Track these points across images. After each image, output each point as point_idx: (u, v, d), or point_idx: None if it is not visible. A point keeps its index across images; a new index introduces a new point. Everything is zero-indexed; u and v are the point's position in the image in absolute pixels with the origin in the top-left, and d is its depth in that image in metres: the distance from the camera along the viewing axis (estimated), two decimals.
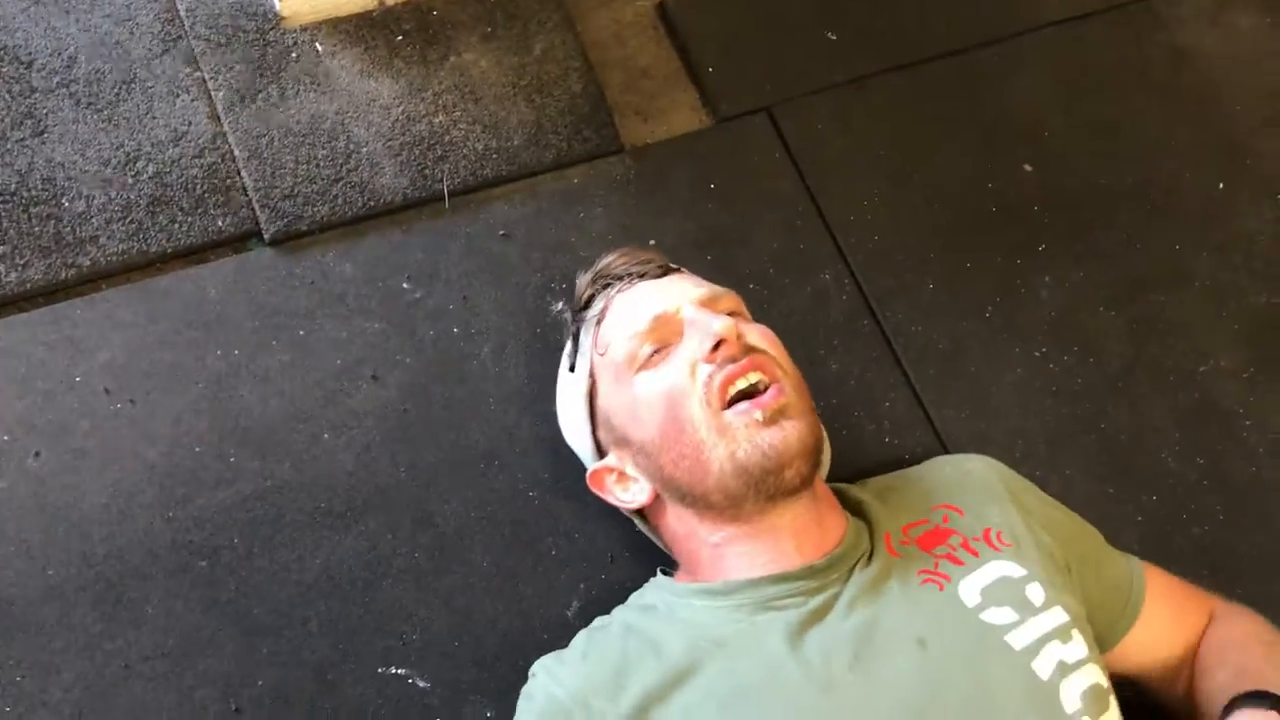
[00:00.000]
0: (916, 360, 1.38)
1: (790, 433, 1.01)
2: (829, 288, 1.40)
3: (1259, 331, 1.45)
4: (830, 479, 1.17)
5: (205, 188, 1.29)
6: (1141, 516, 1.33)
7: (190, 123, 1.32)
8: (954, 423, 1.35)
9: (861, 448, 1.32)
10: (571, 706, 0.98)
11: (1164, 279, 1.47)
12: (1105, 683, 1.00)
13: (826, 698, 0.95)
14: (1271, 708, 0.97)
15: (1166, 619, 1.15)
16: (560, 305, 1.24)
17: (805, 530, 1.05)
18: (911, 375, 1.37)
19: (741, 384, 1.03)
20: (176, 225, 1.27)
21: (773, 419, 1.01)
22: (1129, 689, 1.15)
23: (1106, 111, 1.58)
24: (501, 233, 1.36)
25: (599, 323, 1.13)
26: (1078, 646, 0.99)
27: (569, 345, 1.18)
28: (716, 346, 1.03)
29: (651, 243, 1.36)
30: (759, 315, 1.17)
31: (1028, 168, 1.51)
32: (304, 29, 1.39)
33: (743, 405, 1.02)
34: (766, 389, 1.03)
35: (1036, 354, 1.40)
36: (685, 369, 1.04)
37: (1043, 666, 0.97)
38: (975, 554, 1.05)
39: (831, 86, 1.53)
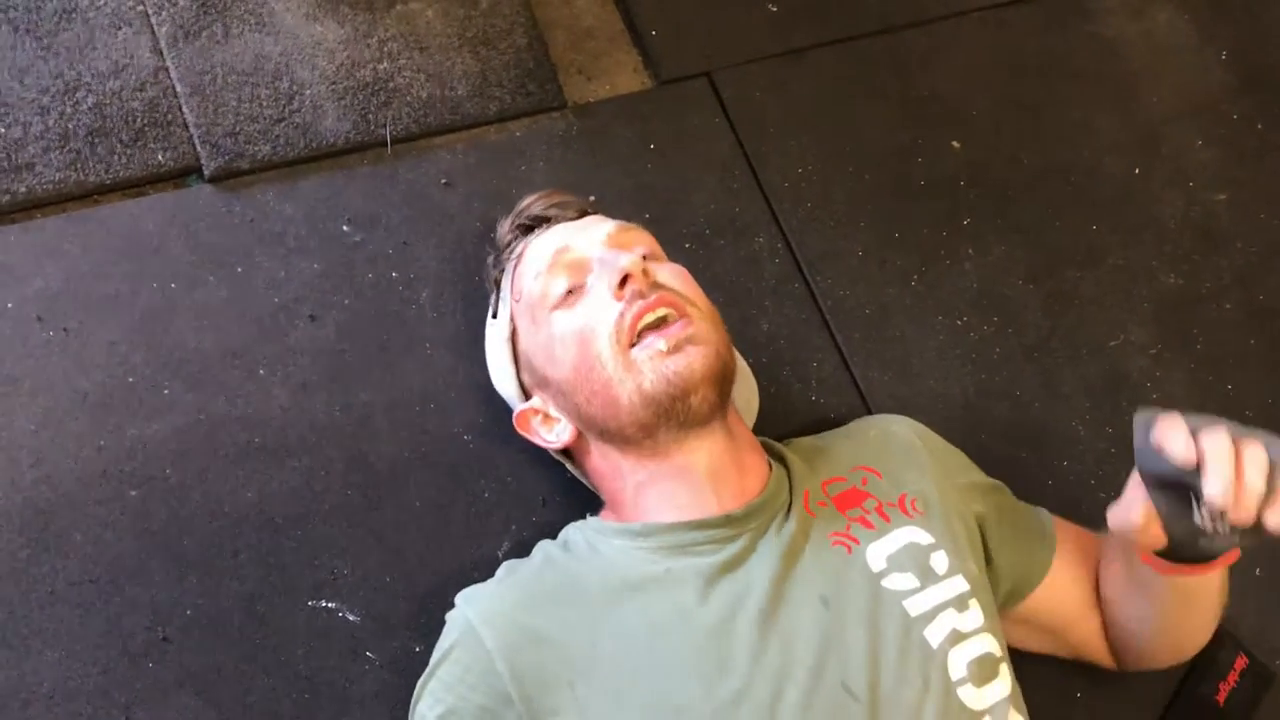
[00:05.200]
0: (844, 323, 1.42)
1: (694, 358, 1.03)
2: (762, 250, 1.44)
3: (1166, 310, 1.52)
4: (756, 434, 1.21)
5: (145, 121, 1.29)
6: (1052, 481, 1.38)
7: (132, 55, 1.31)
8: (877, 385, 1.39)
9: (789, 406, 1.36)
10: (479, 626, 1.00)
11: (1080, 256, 1.53)
12: (999, 652, 1.04)
13: (730, 645, 0.98)
14: None
15: (1078, 560, 1.20)
16: (491, 256, 1.26)
17: (724, 471, 1.07)
18: (839, 338, 1.41)
19: (650, 318, 1.04)
20: (115, 157, 1.27)
21: (677, 347, 1.03)
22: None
23: (1032, 95, 1.64)
24: (443, 181, 1.37)
25: (515, 267, 1.16)
26: (974, 615, 1.04)
27: (494, 292, 1.20)
28: (623, 282, 1.05)
29: (592, 198, 1.39)
30: (695, 274, 1.18)
31: (955, 144, 1.56)
32: None
33: (648, 338, 1.04)
34: (675, 322, 1.05)
35: (958, 322, 1.45)
36: (596, 307, 1.07)
37: (935, 634, 1.01)
38: (887, 519, 1.09)
39: (770, 56, 1.57)
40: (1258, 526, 0.92)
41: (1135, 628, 1.16)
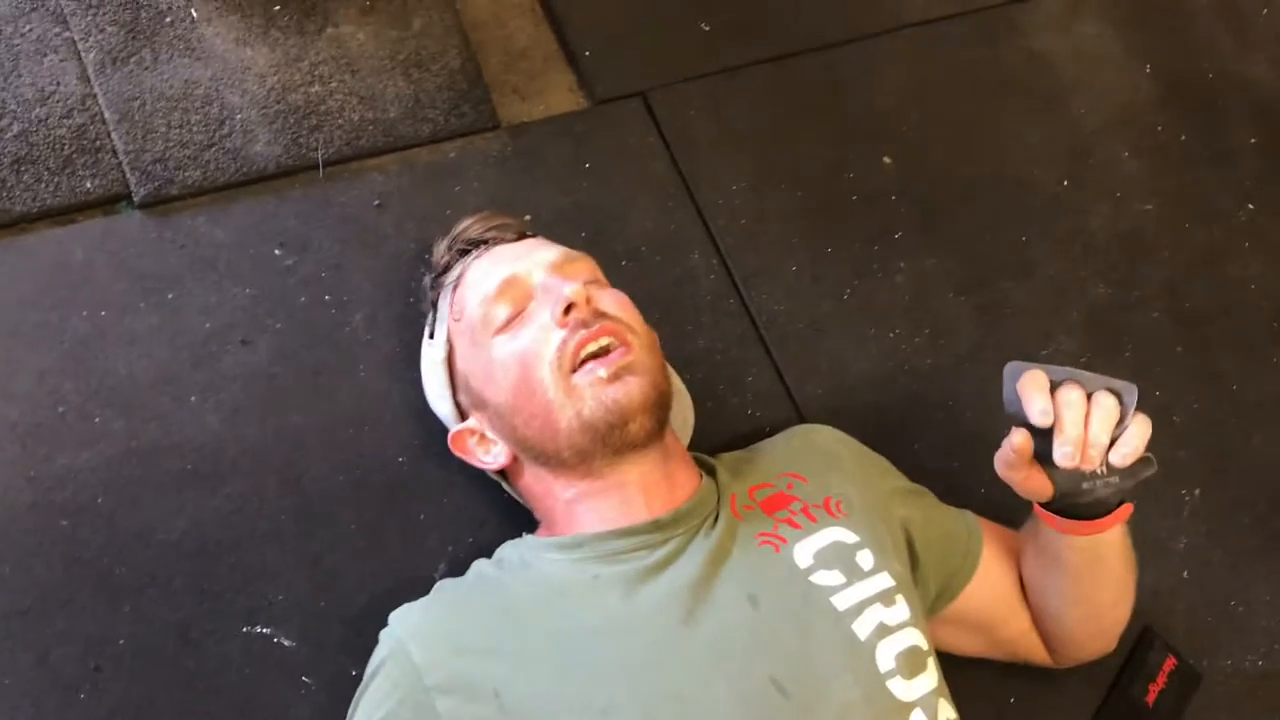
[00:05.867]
0: (778, 338, 1.43)
1: (633, 387, 1.05)
2: (698, 267, 1.45)
3: (1095, 319, 1.55)
4: (693, 449, 1.22)
5: (73, 148, 1.28)
6: (985, 490, 1.40)
7: (59, 83, 1.30)
8: (812, 398, 1.41)
9: (726, 421, 1.37)
10: (407, 642, 1.01)
11: (1011, 268, 1.56)
12: (925, 645, 1.06)
13: (656, 648, 0.99)
14: None
15: (1005, 557, 1.24)
16: (427, 277, 1.26)
17: (654, 486, 1.09)
18: (773, 352, 1.43)
19: (593, 347, 1.06)
20: (43, 185, 1.26)
21: (616, 375, 1.05)
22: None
23: (963, 109, 1.66)
24: (376, 203, 1.37)
25: (455, 289, 1.17)
26: (900, 610, 1.05)
27: (430, 313, 1.21)
28: (568, 311, 1.07)
29: (527, 218, 1.39)
30: (630, 293, 1.19)
31: (887, 160, 1.59)
32: None
33: (589, 365, 1.05)
34: (615, 350, 1.06)
35: (891, 334, 1.47)
36: (539, 333, 1.08)
37: (862, 628, 1.02)
38: (813, 520, 1.10)
39: (704, 75, 1.58)
40: (1129, 467, 1.01)
41: (1054, 603, 1.19)
